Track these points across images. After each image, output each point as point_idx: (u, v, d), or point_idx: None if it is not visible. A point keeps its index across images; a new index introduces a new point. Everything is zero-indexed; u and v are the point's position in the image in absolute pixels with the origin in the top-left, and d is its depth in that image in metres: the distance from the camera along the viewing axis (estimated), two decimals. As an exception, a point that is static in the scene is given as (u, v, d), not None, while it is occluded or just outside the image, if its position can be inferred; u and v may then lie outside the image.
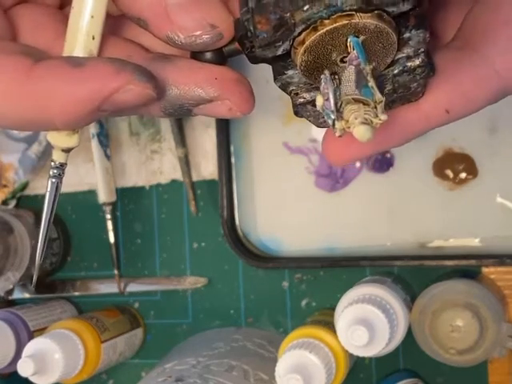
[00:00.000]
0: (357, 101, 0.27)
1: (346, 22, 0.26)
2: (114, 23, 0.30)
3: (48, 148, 0.62)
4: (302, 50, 0.27)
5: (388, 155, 0.56)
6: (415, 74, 0.29)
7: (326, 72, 0.27)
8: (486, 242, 0.55)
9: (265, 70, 0.62)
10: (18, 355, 0.56)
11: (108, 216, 0.63)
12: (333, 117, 0.27)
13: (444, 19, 0.32)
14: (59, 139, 0.28)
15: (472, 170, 0.55)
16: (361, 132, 0.27)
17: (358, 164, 0.57)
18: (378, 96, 0.27)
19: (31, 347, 0.53)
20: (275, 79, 0.29)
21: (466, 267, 0.56)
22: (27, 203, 0.65)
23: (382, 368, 0.60)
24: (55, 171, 0.30)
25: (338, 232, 0.57)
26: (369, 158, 0.57)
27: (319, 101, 0.27)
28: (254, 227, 0.59)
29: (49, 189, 0.30)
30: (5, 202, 0.64)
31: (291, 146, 0.58)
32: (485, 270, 0.57)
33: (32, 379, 0.53)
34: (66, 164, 0.30)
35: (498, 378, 0.57)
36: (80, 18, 0.27)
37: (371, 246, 0.57)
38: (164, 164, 0.63)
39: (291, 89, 0.29)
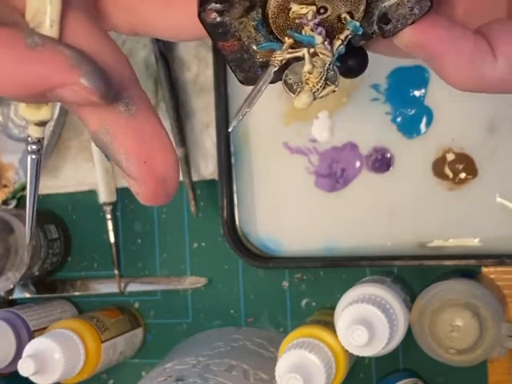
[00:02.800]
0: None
1: None
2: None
3: (48, 148, 0.62)
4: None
5: (388, 155, 0.56)
6: None
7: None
8: (485, 241, 0.55)
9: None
10: (18, 355, 0.56)
11: (108, 216, 0.63)
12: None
13: None
14: (28, 112, 0.26)
15: (472, 170, 0.55)
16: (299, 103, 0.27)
17: (357, 164, 0.57)
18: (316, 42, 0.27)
19: (32, 347, 0.53)
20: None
21: (466, 267, 0.56)
22: (27, 203, 0.65)
23: (381, 368, 0.60)
24: (33, 147, 0.27)
25: (338, 232, 0.57)
26: (369, 158, 0.57)
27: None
28: (254, 227, 0.59)
29: (29, 166, 0.27)
30: (5, 202, 0.64)
31: (291, 146, 0.58)
32: (484, 269, 0.57)
33: (32, 379, 0.53)
34: (43, 138, 0.27)
35: (497, 377, 0.57)
36: None
37: (371, 245, 0.57)
38: (164, 164, 0.63)
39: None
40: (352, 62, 0.30)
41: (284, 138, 0.58)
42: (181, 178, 0.62)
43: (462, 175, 0.55)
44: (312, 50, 0.27)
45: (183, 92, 0.62)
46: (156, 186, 0.27)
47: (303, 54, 0.27)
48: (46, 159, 0.63)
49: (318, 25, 0.27)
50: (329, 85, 0.28)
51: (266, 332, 0.61)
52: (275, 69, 0.28)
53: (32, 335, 0.58)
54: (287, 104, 0.58)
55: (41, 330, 0.59)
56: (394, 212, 0.56)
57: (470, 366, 0.52)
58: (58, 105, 0.61)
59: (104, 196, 0.63)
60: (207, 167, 0.62)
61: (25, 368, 0.52)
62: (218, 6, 0.26)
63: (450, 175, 0.55)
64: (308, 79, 0.27)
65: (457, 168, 0.55)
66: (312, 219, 0.58)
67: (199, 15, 0.27)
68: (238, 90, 0.58)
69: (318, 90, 0.28)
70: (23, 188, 0.64)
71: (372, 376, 0.60)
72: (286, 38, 0.28)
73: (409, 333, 0.52)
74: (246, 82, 0.29)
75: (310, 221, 0.58)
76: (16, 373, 0.53)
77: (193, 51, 0.62)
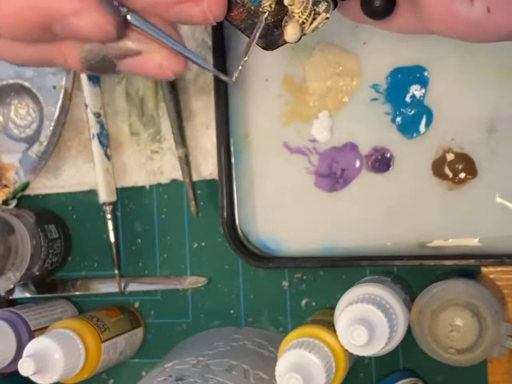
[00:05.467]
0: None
1: None
2: None
3: (48, 148, 0.62)
4: None
5: (388, 155, 0.56)
6: None
7: None
8: (485, 241, 0.55)
9: (264, 69, 0.62)
10: (18, 354, 0.56)
11: (108, 216, 0.63)
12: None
13: None
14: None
15: (471, 170, 0.55)
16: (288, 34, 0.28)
17: (357, 164, 0.57)
18: None
19: (32, 347, 0.53)
20: None
21: (466, 267, 0.56)
22: (28, 203, 0.65)
23: (381, 367, 0.60)
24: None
25: (338, 232, 0.57)
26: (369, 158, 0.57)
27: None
28: (254, 227, 0.59)
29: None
30: (5, 202, 0.64)
31: (291, 146, 0.58)
32: (484, 269, 0.57)
33: (33, 378, 0.53)
34: None
35: (497, 377, 0.57)
36: None
37: (371, 245, 0.57)
38: (164, 164, 0.63)
39: None
40: (378, 2, 0.30)
41: (284, 137, 0.58)
42: (181, 177, 0.62)
43: (462, 175, 0.55)
44: None
45: (183, 92, 0.62)
46: None
47: None
48: (47, 159, 0.63)
49: None
50: (319, 14, 0.28)
51: (266, 332, 0.62)
52: (265, 14, 0.28)
53: (32, 335, 0.58)
54: (287, 104, 0.58)
55: (41, 330, 0.59)
56: (394, 212, 0.56)
57: (469, 365, 0.52)
58: (58, 104, 0.61)
59: (104, 196, 0.63)
60: (207, 167, 0.62)
61: (25, 368, 0.52)
62: None
63: (450, 175, 0.55)
64: (293, 12, 0.28)
65: (457, 168, 0.55)
66: (312, 219, 0.58)
67: None
68: (238, 90, 0.58)
69: (305, 20, 0.28)
70: (23, 188, 0.64)
71: (372, 376, 0.60)
72: None
73: (409, 333, 0.52)
74: (267, 46, 0.29)
75: (309, 221, 0.58)
76: (16, 372, 0.53)
77: (193, 51, 0.62)
